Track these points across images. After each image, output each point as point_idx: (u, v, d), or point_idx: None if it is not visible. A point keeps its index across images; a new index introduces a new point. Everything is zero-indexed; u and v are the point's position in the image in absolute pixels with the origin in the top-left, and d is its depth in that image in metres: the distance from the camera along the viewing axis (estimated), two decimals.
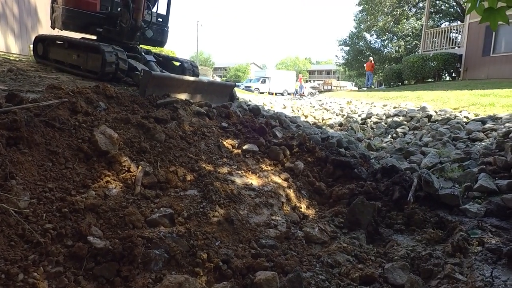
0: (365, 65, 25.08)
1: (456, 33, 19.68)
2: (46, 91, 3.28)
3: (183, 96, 4.71)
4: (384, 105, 11.24)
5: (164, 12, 6.56)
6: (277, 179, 3.68)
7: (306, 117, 11.13)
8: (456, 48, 17.94)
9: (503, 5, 2.31)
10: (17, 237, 1.84)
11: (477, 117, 7.25)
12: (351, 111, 11.55)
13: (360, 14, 32.34)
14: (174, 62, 6.63)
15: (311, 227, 2.94)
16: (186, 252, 2.20)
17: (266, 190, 3.37)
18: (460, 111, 8.14)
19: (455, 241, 2.65)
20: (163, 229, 2.34)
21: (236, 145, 4.09)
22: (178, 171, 3.06)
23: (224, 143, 3.99)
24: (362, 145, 6.65)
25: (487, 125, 6.30)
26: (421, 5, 28.68)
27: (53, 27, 6.05)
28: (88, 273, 1.88)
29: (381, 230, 3.13)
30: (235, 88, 6.50)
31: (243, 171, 3.58)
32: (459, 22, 23.10)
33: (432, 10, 26.46)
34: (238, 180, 3.34)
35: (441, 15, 29.32)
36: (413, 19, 29.84)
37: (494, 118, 6.78)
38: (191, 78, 5.10)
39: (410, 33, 29.55)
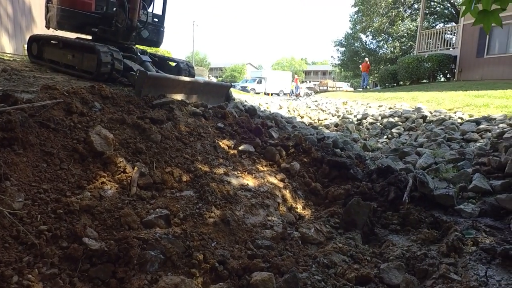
0: (360, 66, 25.17)
1: (451, 34, 19.83)
2: (41, 91, 3.26)
3: (179, 97, 4.70)
4: (379, 106, 11.29)
5: (159, 12, 6.54)
6: (273, 179, 3.68)
7: (302, 117, 11.14)
8: (451, 49, 18.07)
9: (497, 8, 2.33)
10: (12, 238, 1.82)
11: (472, 118, 7.31)
12: (346, 111, 11.58)
13: (356, 15, 32.46)
14: (170, 63, 6.61)
15: (307, 228, 2.94)
16: (182, 253, 2.20)
17: (262, 190, 3.37)
18: (455, 112, 8.20)
19: (450, 241, 2.67)
20: (159, 230, 2.33)
21: (232, 145, 4.09)
22: (174, 172, 3.06)
23: (220, 143, 3.99)
24: (358, 145, 6.67)
25: (481, 126, 6.35)
26: (416, 6, 28.86)
27: (47, 27, 6.01)
28: (83, 274, 1.87)
29: (376, 230, 3.14)
30: (231, 89, 6.49)
31: (239, 172, 3.58)
32: (453, 24, 23.27)
33: (427, 12, 26.64)
34: (234, 181, 3.34)
35: (435, 16, 29.52)
36: (408, 20, 30.00)
37: (488, 119, 6.84)
38: (187, 79, 5.09)
39: (405, 34, 29.71)
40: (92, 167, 2.67)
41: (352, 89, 35.13)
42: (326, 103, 14.83)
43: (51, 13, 5.70)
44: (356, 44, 33.72)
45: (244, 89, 32.62)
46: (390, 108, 10.36)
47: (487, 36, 14.99)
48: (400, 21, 29.65)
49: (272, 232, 2.81)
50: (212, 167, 3.42)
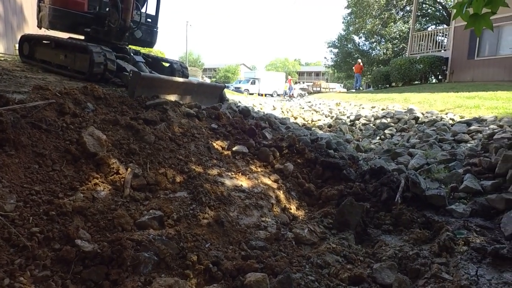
0: (353, 67, 25.34)
1: (442, 36, 20.06)
2: (33, 91, 3.23)
3: (172, 98, 4.69)
4: (372, 107, 11.37)
5: (153, 13, 6.52)
6: (267, 180, 3.69)
7: (295, 118, 11.18)
8: (442, 51, 18.28)
9: (487, 11, 2.37)
10: (3, 241, 1.80)
11: (463, 119, 7.40)
12: (340, 112, 11.65)
13: (349, 17, 32.70)
14: (163, 63, 6.60)
15: (300, 228, 2.96)
16: (176, 255, 2.19)
17: (256, 191, 3.38)
18: (446, 113, 8.29)
19: (442, 241, 2.70)
20: (153, 231, 2.32)
21: (226, 146, 4.09)
22: (167, 173, 3.05)
23: (214, 144, 3.99)
24: (351, 146, 6.71)
25: (472, 127, 6.43)
26: (408, 8, 29.16)
27: (39, 26, 5.96)
28: (76, 276, 1.85)
29: (369, 230, 3.16)
30: (225, 89, 6.49)
31: (233, 173, 3.58)
32: (445, 26, 23.56)
33: (418, 14, 26.93)
34: (228, 182, 3.34)
35: (427, 18, 29.86)
36: (400, 22, 30.30)
37: (479, 120, 6.94)
38: (181, 79, 5.09)
39: (398, 36, 30.00)
40: (85, 168, 2.65)
41: (345, 90, 35.34)
42: (320, 104, 14.89)
43: (43, 13, 5.65)
44: (349, 46, 33.96)
45: (237, 89, 32.62)
46: (382, 109, 10.45)
47: (478, 39, 15.21)
48: (392, 23, 29.93)
49: (266, 233, 2.81)
50: (206, 168, 3.42)
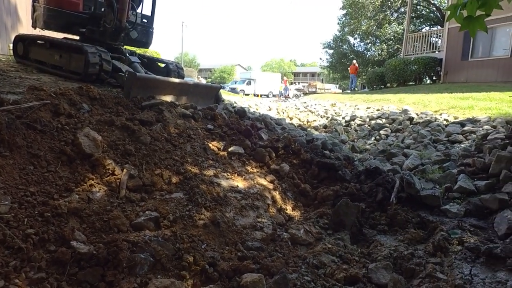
0: (349, 68, 25.44)
1: (436, 37, 20.22)
2: (27, 92, 3.21)
3: (168, 98, 4.68)
4: (367, 108, 11.43)
5: (148, 13, 6.51)
6: (263, 181, 3.70)
7: (291, 119, 11.20)
8: (437, 52, 18.42)
9: (481, 14, 2.39)
10: None
11: (457, 120, 7.47)
12: (335, 113, 11.69)
13: (344, 18, 32.83)
14: (159, 64, 6.58)
15: (296, 229, 2.97)
16: (172, 256, 2.19)
17: (252, 192, 3.38)
18: (440, 114, 8.36)
19: (436, 240, 2.72)
20: (149, 232, 2.32)
21: (222, 147, 4.09)
22: (163, 173, 3.05)
23: (210, 145, 3.99)
24: (346, 147, 6.75)
25: (466, 128, 6.49)
26: (402, 10, 29.36)
27: (34, 26, 5.91)
28: (72, 278, 1.85)
29: (365, 230, 3.18)
30: (220, 90, 6.49)
31: (229, 174, 3.58)
32: (439, 27, 23.75)
33: (413, 15, 27.13)
34: (224, 183, 3.34)
35: (421, 20, 30.09)
36: (395, 24, 30.48)
37: (472, 121, 7.00)
38: (177, 80, 5.08)
39: (392, 37, 30.17)
40: (80, 170, 2.64)
41: (340, 90, 35.48)
42: (315, 104, 14.93)
43: (38, 13, 5.61)
44: (344, 47, 34.10)
45: (233, 90, 32.62)
46: (377, 110, 10.50)
47: (471, 40, 15.35)
48: (387, 24, 30.11)
49: (262, 234, 2.82)
50: (201, 168, 3.42)
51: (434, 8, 27.94)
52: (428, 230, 3.04)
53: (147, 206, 2.62)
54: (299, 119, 11.39)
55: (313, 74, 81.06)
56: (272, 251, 2.61)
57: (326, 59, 37.00)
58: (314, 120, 11.04)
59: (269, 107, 13.67)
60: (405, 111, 9.07)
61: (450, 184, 3.89)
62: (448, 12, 2.52)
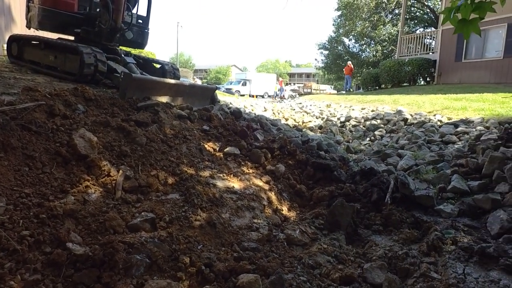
0: (344, 69, 25.54)
1: (430, 39, 20.38)
2: (22, 93, 3.19)
3: (164, 99, 4.67)
4: (362, 109, 11.49)
5: (144, 14, 6.50)
6: (258, 182, 3.71)
7: (286, 120, 11.23)
8: (430, 53, 18.57)
9: (475, 17, 2.42)
10: None
11: (450, 121, 7.54)
12: (330, 114, 11.74)
13: (339, 19, 32.98)
14: (155, 64, 6.57)
15: (292, 229, 2.98)
16: (168, 257, 2.19)
17: (248, 193, 3.39)
18: (434, 115, 8.43)
19: (430, 240, 2.75)
20: (145, 234, 2.32)
21: (218, 148, 4.10)
22: (159, 175, 3.04)
23: (206, 146, 3.99)
24: (341, 147, 6.78)
25: (459, 129, 6.56)
26: (397, 11, 29.57)
27: (28, 26, 5.88)
28: (67, 280, 1.84)
29: (360, 231, 3.21)
30: (216, 91, 6.50)
31: (225, 174, 3.59)
32: (433, 29, 23.96)
33: (407, 17, 27.32)
34: (220, 184, 3.35)
35: (416, 21, 30.32)
36: (389, 25, 30.70)
37: (466, 122, 7.07)
38: (172, 81, 5.07)
39: (387, 38, 30.38)
40: (76, 171, 2.63)
41: (335, 91, 35.64)
42: (310, 105, 14.98)
43: (32, 13, 5.58)
44: (339, 48, 34.25)
45: (228, 91, 32.60)
46: (372, 111, 10.56)
47: (465, 42, 15.51)
48: (381, 26, 30.31)
49: (258, 234, 2.83)
50: (197, 169, 3.42)
51: (428, 10, 28.18)
52: (422, 230, 3.06)
53: (143, 207, 2.62)
54: (295, 120, 11.43)
55: (308, 75, 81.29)
56: (268, 252, 2.62)
57: (321, 60, 37.16)
58: (309, 121, 11.07)
59: (264, 108, 13.70)
60: (399, 112, 9.13)
61: (443, 185, 3.93)
62: (443, 16, 2.55)
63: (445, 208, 3.42)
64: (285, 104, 17.41)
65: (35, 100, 3.00)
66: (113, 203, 2.55)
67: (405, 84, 19.04)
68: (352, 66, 24.93)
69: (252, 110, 12.08)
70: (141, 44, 6.63)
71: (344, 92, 24.06)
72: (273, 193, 3.63)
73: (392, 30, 29.99)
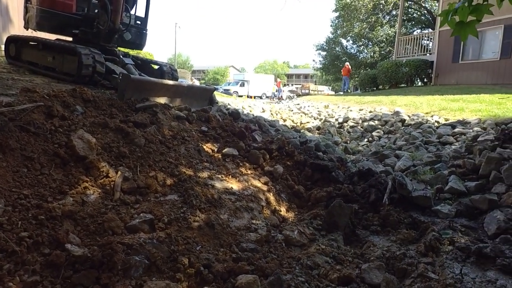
0: (341, 70, 25.60)
1: (428, 40, 20.48)
2: (20, 94, 3.19)
3: (162, 100, 4.68)
4: (360, 110, 11.53)
5: (142, 15, 6.50)
6: (257, 183, 3.71)
7: (284, 121, 11.25)
8: (428, 54, 18.65)
9: (473, 19, 2.44)
10: None
11: (447, 122, 7.57)
12: (328, 115, 11.76)
13: (337, 20, 33.08)
14: (153, 65, 6.57)
15: (290, 230, 2.99)
16: (167, 258, 2.20)
17: (246, 194, 3.40)
18: (432, 116, 8.46)
19: (428, 241, 2.77)
20: (143, 235, 2.32)
21: (216, 149, 4.11)
22: (158, 176, 3.05)
23: (204, 147, 4.00)
24: (339, 148, 6.80)
25: (456, 129, 6.59)
26: (394, 13, 29.68)
27: (26, 27, 5.87)
28: (66, 281, 1.84)
29: (358, 231, 3.22)
30: (214, 92, 6.51)
31: (223, 175, 3.59)
32: (430, 30, 24.06)
33: (404, 18, 27.43)
34: (219, 185, 3.36)
35: (413, 22, 30.44)
36: (387, 26, 30.82)
37: (463, 123, 7.11)
38: (171, 82, 5.08)
39: (384, 39, 30.49)
40: (74, 172, 2.63)
41: (333, 92, 35.75)
42: (308, 106, 15.01)
43: (30, 14, 5.57)
44: (337, 49, 34.34)
45: (226, 91, 32.62)
46: (370, 112, 10.60)
47: (462, 43, 15.59)
48: (379, 27, 30.42)
49: (256, 235, 2.83)
50: (196, 170, 3.42)
51: (426, 11, 28.30)
52: (419, 231, 3.08)
53: (141, 208, 2.62)
54: (293, 121, 11.44)
55: (306, 76, 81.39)
56: (266, 253, 2.63)
57: (319, 61, 37.25)
58: (307, 122, 11.09)
59: (262, 109, 13.71)
60: (397, 113, 9.17)
61: (441, 185, 3.95)
62: (441, 18, 2.57)
63: (443, 208, 3.43)
64: (283, 105, 17.44)
65: (33, 101, 3.00)
66: (112, 204, 2.55)
67: (402, 85, 19.10)
68: (350, 67, 25.00)
69: (250, 111, 12.10)
70: (139, 45, 6.63)
71: (342, 93, 24.13)
72: (271, 194, 3.63)
73: (390, 31, 30.11)
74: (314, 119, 11.62)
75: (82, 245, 2.06)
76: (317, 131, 9.53)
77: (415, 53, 19.30)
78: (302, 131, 8.69)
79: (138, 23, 6.40)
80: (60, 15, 5.46)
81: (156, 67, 6.51)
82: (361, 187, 3.87)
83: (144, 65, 6.41)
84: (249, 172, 3.90)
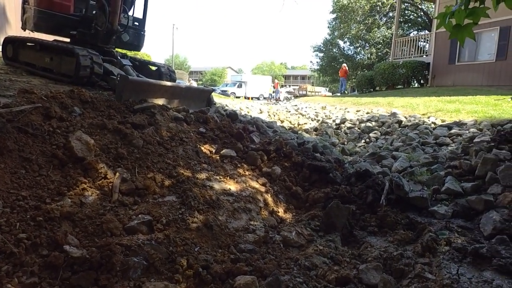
0: (339, 71, 25.67)
1: (424, 42, 20.58)
2: (18, 95, 3.18)
3: (160, 101, 4.68)
4: (357, 111, 11.57)
5: (140, 16, 6.50)
6: (255, 184, 3.72)
7: (282, 122, 11.27)
8: (424, 56, 18.74)
9: (469, 22, 2.47)
10: None
11: (444, 123, 7.62)
12: (325, 116, 11.80)
13: (334, 22, 33.18)
14: (151, 67, 6.57)
15: (288, 231, 3.00)
16: (165, 259, 2.20)
17: (244, 195, 3.41)
18: (428, 117, 8.51)
19: (425, 241, 2.79)
20: (142, 236, 2.32)
21: (214, 150, 4.11)
22: (156, 177, 3.05)
23: (202, 148, 4.00)
24: (337, 149, 6.83)
25: (453, 131, 6.63)
26: (391, 14, 29.83)
27: (24, 28, 5.86)
28: (65, 283, 1.84)
29: (355, 232, 3.23)
30: (212, 93, 6.51)
31: (221, 177, 3.60)
32: (426, 32, 24.19)
33: (401, 20, 27.55)
34: (217, 186, 3.36)
35: (409, 24, 30.60)
36: (383, 28, 30.94)
37: (459, 124, 7.15)
38: (169, 83, 5.08)
39: (381, 41, 30.61)
40: (73, 173, 2.63)
41: (330, 93, 35.82)
42: (306, 107, 15.04)
43: (28, 15, 5.56)
44: (334, 50, 34.43)
45: (224, 93, 32.62)
46: (367, 113, 10.64)
47: (458, 44, 15.67)
48: (376, 29, 30.54)
49: (254, 236, 2.84)
50: (194, 172, 3.43)
51: (422, 13, 28.46)
52: (416, 231, 3.10)
53: (140, 209, 2.62)
54: (290, 122, 11.47)
55: (303, 77, 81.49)
56: (264, 253, 2.64)
57: (317, 62, 37.34)
58: (305, 123, 11.12)
59: (260, 110, 13.73)
60: (394, 114, 9.21)
61: (437, 186, 3.98)
62: (437, 21, 2.59)
63: (439, 209, 3.46)
64: (281, 106, 17.46)
65: (31, 103, 3.00)
66: (110, 206, 2.55)
67: (399, 86, 19.18)
68: (347, 69, 25.07)
69: (248, 112, 12.11)
70: (137, 46, 6.63)
71: (339, 94, 24.18)
72: (269, 195, 3.64)
73: (387, 33, 30.23)
74: (312, 120, 11.65)
75: (80, 246, 2.06)
76: (314, 132, 9.55)
77: (412, 54, 19.38)
78: (299, 132, 8.71)
79: (136, 24, 6.40)
80: (57, 16, 5.46)
81: (154, 68, 6.51)
82: (358, 188, 3.89)
83: (142, 66, 6.41)
84: (247, 173, 3.91)
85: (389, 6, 28.93)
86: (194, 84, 34.91)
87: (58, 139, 2.81)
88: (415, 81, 19.80)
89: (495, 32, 14.44)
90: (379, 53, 30.78)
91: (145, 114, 4.02)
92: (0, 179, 2.18)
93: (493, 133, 5.67)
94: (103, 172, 2.75)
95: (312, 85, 46.12)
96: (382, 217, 3.37)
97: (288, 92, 38.75)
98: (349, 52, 33.81)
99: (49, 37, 6.06)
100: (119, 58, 5.61)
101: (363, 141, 8.02)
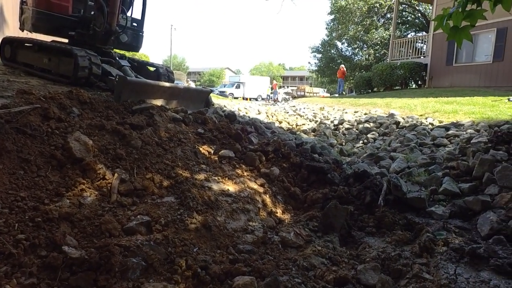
0: (337, 72, 25.71)
1: (422, 43, 20.64)
2: (17, 96, 3.18)
3: (158, 102, 4.68)
4: (355, 112, 11.59)
5: (138, 17, 6.50)
6: (253, 184, 3.73)
7: (280, 123, 11.28)
8: (422, 57, 18.79)
9: (467, 24, 2.48)
10: None
11: (441, 124, 7.64)
12: (323, 117, 11.82)
13: (332, 23, 33.22)
14: (149, 67, 6.57)
15: (287, 232, 3.01)
16: (164, 260, 2.20)
17: (243, 196, 3.41)
18: (426, 118, 8.54)
19: (422, 242, 2.80)
20: (141, 237, 2.32)
21: (213, 151, 4.12)
22: (154, 178, 3.05)
23: (201, 149, 4.01)
24: (335, 150, 6.84)
25: (450, 132, 6.65)
26: (389, 16, 29.89)
27: (22, 29, 5.85)
28: (64, 283, 1.84)
29: (353, 233, 3.25)
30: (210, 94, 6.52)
31: (219, 177, 3.60)
32: (424, 33, 24.26)
33: (399, 21, 27.65)
34: (215, 186, 3.37)
35: (407, 25, 30.68)
36: (381, 29, 31.00)
37: (456, 125, 7.18)
38: (167, 84, 5.08)
39: (379, 42, 30.66)
40: (71, 174, 2.63)
41: (328, 94, 35.87)
42: (304, 108, 15.06)
43: (26, 15, 5.55)
44: (332, 51, 34.46)
45: (222, 93, 32.63)
46: (365, 114, 10.66)
47: (455, 46, 15.73)
48: (374, 30, 30.60)
49: (253, 237, 2.85)
50: (192, 172, 3.43)
51: (420, 15, 28.56)
52: (414, 232, 3.11)
53: (138, 210, 2.62)
54: (288, 123, 11.48)
55: (301, 78, 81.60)
56: (263, 254, 2.64)
57: (315, 63, 37.36)
58: (303, 124, 11.14)
59: (258, 111, 13.73)
60: (391, 115, 9.24)
61: (435, 187, 3.99)
62: (435, 23, 2.61)
63: (437, 210, 3.48)
64: (279, 107, 17.48)
65: (29, 103, 2.99)
66: (109, 206, 2.55)
67: (397, 87, 19.23)
68: (345, 70, 25.11)
69: (246, 113, 12.11)
70: (136, 47, 6.64)
71: (337, 95, 24.22)
72: (267, 195, 3.65)
73: (384, 34, 30.29)
74: (310, 121, 11.67)
75: (79, 247, 2.06)
76: (312, 133, 9.57)
77: (409, 55, 19.44)
78: (297, 133, 8.73)
79: (135, 25, 6.40)
80: (56, 16, 5.45)
81: (152, 69, 6.51)
82: (356, 189, 3.90)
83: (140, 67, 6.41)
84: (245, 174, 3.92)
85: (386, 7, 29.01)
86: (192, 85, 34.89)
87: (56, 140, 2.81)
88: (412, 82, 19.87)
89: (492, 33, 14.50)
90: (377, 54, 30.84)
91: (144, 115, 4.02)
92: None
93: (490, 134, 5.69)
94: (102, 173, 2.75)
95: (310, 86, 46.13)
96: (380, 218, 3.38)
97: (286, 93, 38.76)
98: (347, 53, 33.85)
99: (47, 38, 6.05)
100: (117, 59, 5.61)
101: (361, 142, 8.04)
